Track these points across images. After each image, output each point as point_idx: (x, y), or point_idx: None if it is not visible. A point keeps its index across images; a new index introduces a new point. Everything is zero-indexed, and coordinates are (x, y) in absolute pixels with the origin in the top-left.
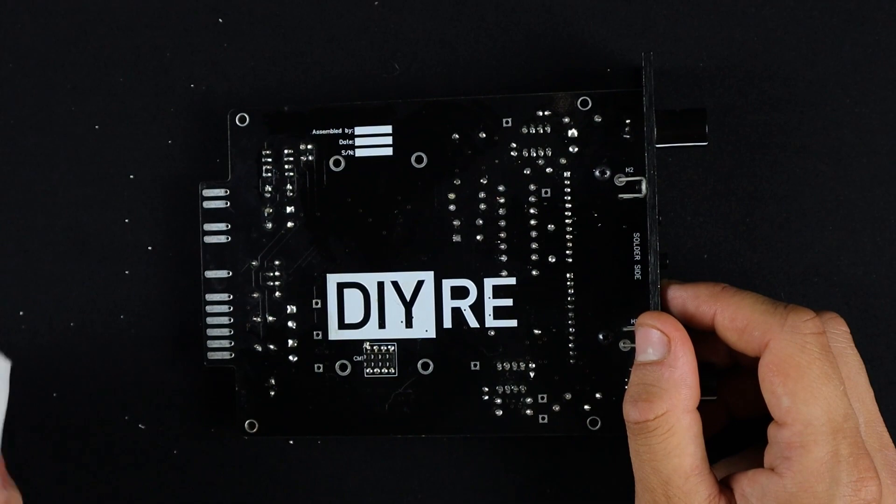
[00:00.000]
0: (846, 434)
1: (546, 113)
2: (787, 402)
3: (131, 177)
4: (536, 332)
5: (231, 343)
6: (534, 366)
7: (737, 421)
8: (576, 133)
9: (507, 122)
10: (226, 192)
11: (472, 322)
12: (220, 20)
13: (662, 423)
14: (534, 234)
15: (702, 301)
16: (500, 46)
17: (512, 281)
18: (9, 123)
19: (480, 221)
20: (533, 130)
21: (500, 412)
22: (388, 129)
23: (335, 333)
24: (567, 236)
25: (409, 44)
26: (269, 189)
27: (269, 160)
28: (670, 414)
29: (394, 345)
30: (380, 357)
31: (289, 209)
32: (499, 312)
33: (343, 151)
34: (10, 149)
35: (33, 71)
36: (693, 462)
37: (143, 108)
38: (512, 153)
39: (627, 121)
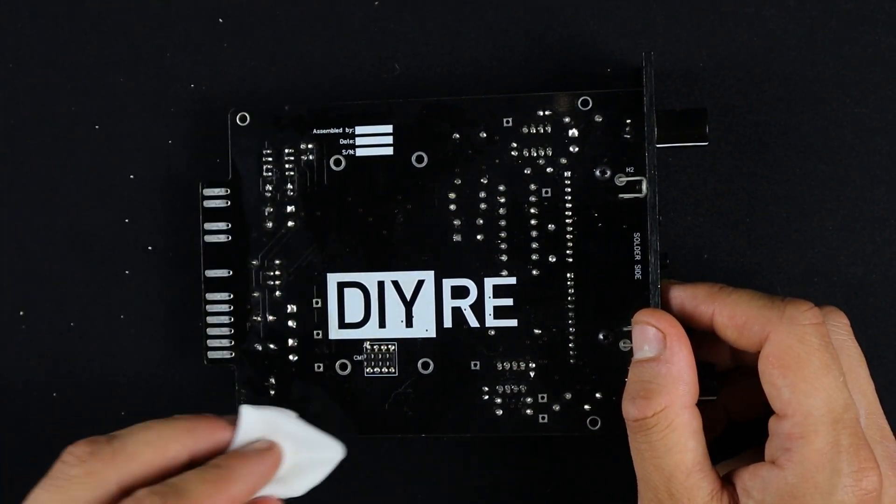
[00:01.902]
0: (846, 424)
1: (547, 113)
2: (788, 393)
3: (131, 177)
4: (537, 331)
5: (231, 342)
6: (534, 365)
7: (735, 423)
8: (576, 133)
9: (507, 122)
10: (226, 191)
11: (473, 322)
12: (221, 20)
13: (661, 419)
14: (534, 233)
15: (699, 301)
16: (500, 47)
17: (512, 280)
18: (9, 123)
19: (481, 221)
20: (533, 130)
21: (500, 412)
22: (388, 128)
23: (335, 333)
24: (567, 236)
25: (409, 44)
26: (270, 188)
27: (270, 159)
28: (669, 410)
29: (394, 344)
30: (380, 356)
31: (289, 208)
32: (499, 312)
33: (344, 151)
34: (10, 149)
35: (33, 71)
36: (694, 458)
37: (143, 108)
38: (512, 153)
39: (628, 121)
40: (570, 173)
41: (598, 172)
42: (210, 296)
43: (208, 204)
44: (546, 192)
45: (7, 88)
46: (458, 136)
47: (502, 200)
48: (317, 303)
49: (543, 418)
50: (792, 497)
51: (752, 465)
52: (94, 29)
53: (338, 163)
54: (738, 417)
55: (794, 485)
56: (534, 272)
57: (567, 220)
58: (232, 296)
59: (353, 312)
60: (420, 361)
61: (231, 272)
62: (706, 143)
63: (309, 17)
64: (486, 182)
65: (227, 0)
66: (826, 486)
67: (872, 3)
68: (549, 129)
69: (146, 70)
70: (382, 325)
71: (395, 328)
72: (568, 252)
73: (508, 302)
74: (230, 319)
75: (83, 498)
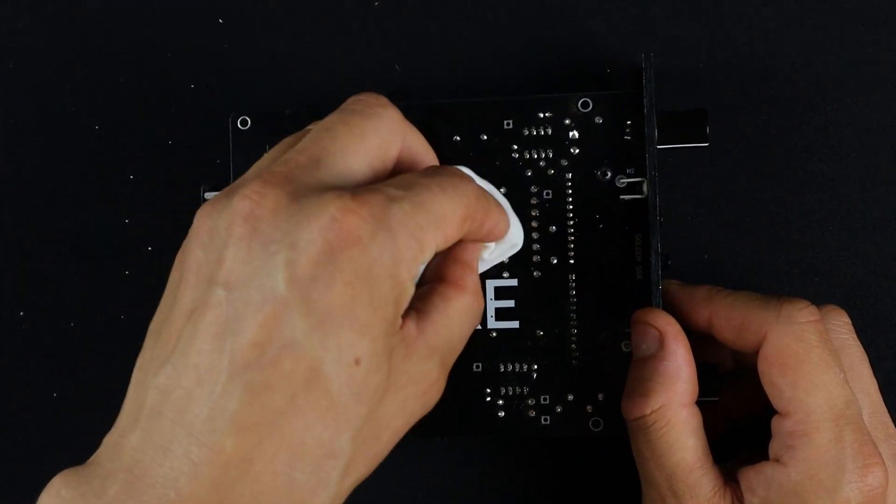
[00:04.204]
0: (849, 420)
1: (547, 115)
2: (788, 391)
3: (131, 177)
4: (539, 333)
5: None
6: (536, 367)
7: (737, 425)
8: (577, 135)
9: (508, 124)
10: None
11: None
12: (220, 20)
13: (660, 417)
14: (535, 235)
15: (697, 303)
16: (500, 47)
17: (514, 282)
18: (9, 123)
19: None
20: (534, 132)
21: (502, 413)
22: None
23: None
24: (569, 238)
25: (409, 44)
26: None
27: None
28: (667, 408)
29: None
30: None
31: None
32: (501, 314)
33: None
34: (11, 149)
35: (33, 71)
36: (695, 455)
37: (143, 109)
38: (513, 155)
39: (628, 122)
40: (570, 175)
41: (598, 174)
42: None
43: None
44: (547, 194)
45: (7, 88)
46: (458, 138)
47: None
48: None
49: (546, 420)
50: (795, 494)
51: (757, 464)
52: (94, 29)
53: None
54: (739, 419)
55: (798, 482)
56: (535, 274)
57: (568, 222)
58: None
59: None
60: None
61: None
62: (707, 144)
63: (309, 18)
64: None
65: (227, 0)
66: (830, 483)
67: (872, 3)
68: (549, 130)
69: (146, 70)
70: None
71: None
72: (569, 254)
73: (510, 304)
74: None
75: (383, 134)
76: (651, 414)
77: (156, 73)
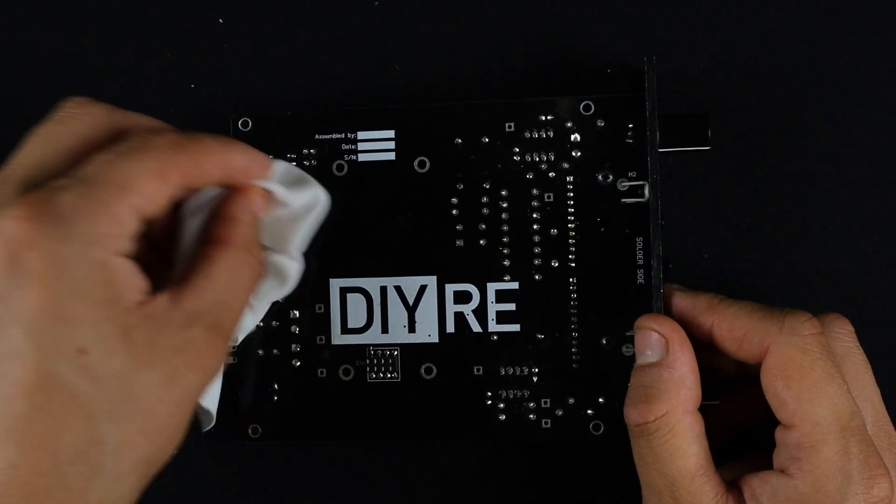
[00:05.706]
0: (854, 432)
1: (549, 118)
2: (793, 404)
3: None
4: (539, 336)
5: (234, 347)
6: (537, 370)
7: (737, 430)
8: (578, 138)
9: (509, 127)
10: None
11: (475, 326)
12: (221, 21)
13: (663, 424)
14: (536, 238)
15: (699, 312)
16: (501, 48)
17: (515, 285)
18: (9, 123)
19: (483, 226)
20: (535, 135)
21: (503, 417)
22: (390, 133)
23: (338, 338)
24: (570, 241)
25: (409, 45)
26: None
27: None
28: (670, 415)
29: (397, 349)
30: (383, 361)
31: None
32: (502, 317)
33: (346, 156)
34: (11, 149)
35: (33, 71)
36: (697, 462)
37: (143, 109)
38: (514, 158)
39: (630, 125)
40: (572, 178)
41: (600, 177)
42: None
43: None
44: (548, 197)
45: (7, 88)
46: (460, 140)
47: (504, 205)
48: (319, 308)
49: (546, 423)
50: None
51: (762, 473)
52: (95, 29)
53: (340, 168)
54: (739, 425)
55: (805, 493)
56: (536, 277)
57: (569, 225)
58: None
59: (356, 317)
60: (423, 366)
61: None
62: (708, 148)
63: (309, 17)
64: (488, 187)
65: (226, 0)
66: (837, 495)
67: (872, 3)
68: (551, 133)
69: (146, 70)
70: (385, 330)
71: (398, 333)
72: (570, 257)
73: (511, 307)
74: None
75: (82, 132)
76: (655, 421)
77: (156, 73)
